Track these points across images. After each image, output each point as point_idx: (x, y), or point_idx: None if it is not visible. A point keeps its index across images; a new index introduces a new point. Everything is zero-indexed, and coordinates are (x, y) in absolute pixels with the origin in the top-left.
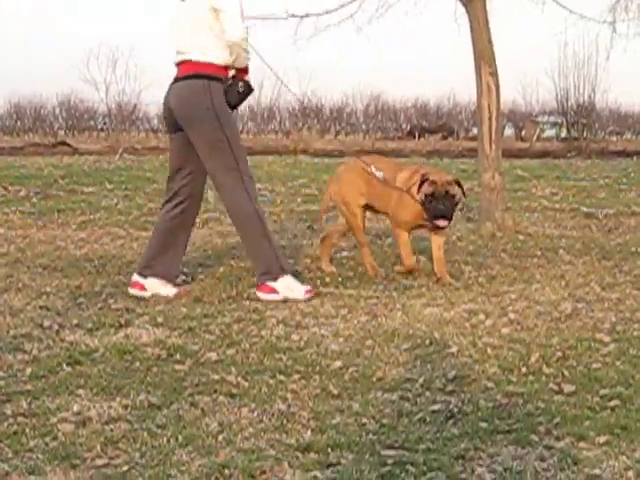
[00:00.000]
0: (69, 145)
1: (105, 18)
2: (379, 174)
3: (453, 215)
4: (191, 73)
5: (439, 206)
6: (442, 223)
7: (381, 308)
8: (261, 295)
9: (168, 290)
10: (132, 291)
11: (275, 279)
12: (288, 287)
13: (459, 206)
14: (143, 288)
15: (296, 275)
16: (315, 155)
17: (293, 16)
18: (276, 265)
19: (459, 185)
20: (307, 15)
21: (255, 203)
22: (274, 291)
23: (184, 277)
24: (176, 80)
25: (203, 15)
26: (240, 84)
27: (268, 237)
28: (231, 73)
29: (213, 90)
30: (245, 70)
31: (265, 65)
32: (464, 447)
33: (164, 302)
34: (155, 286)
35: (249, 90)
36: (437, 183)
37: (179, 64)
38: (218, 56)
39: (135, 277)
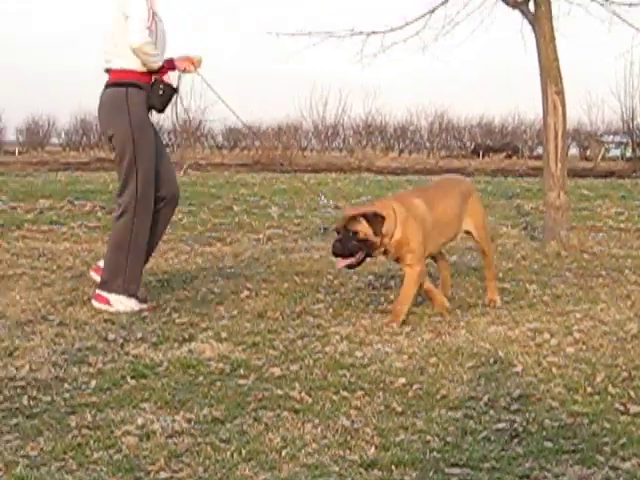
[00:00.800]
0: None
1: (170, 34)
2: (324, 201)
3: (355, 253)
4: (112, 82)
5: (335, 243)
6: (338, 264)
7: (445, 326)
8: (95, 303)
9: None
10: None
11: (110, 292)
12: (122, 302)
13: (370, 244)
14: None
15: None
16: (379, 173)
17: (359, 33)
18: (119, 282)
19: (369, 221)
20: (373, 32)
21: (138, 222)
22: (108, 302)
23: (247, 292)
24: (105, 88)
25: (118, 22)
26: (160, 86)
27: (126, 256)
28: (154, 77)
29: (131, 97)
30: (165, 70)
31: (206, 84)
32: (529, 466)
33: (228, 317)
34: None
35: (171, 91)
36: (342, 218)
37: (106, 71)
38: (137, 63)
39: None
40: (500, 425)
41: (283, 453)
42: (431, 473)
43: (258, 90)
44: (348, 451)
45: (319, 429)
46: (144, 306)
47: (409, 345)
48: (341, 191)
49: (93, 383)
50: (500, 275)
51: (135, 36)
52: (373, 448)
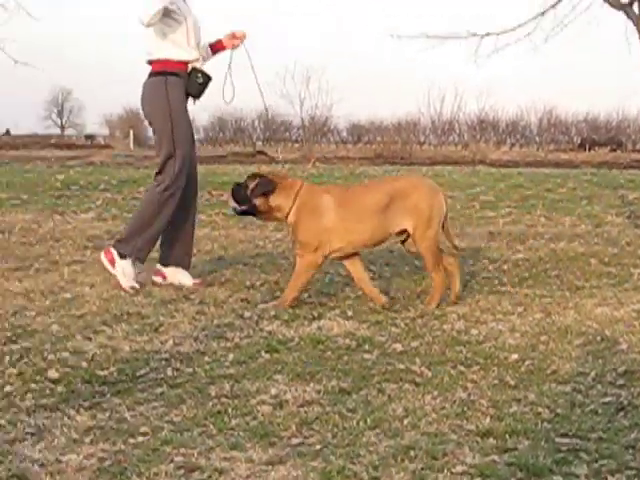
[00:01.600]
0: (266, 154)
1: (298, 38)
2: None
3: (242, 204)
4: (153, 71)
5: (234, 186)
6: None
7: (555, 306)
8: (102, 256)
9: (186, 278)
10: (155, 279)
11: (122, 256)
12: (123, 270)
13: (252, 204)
14: (164, 277)
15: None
16: (492, 165)
17: (474, 35)
18: (132, 248)
19: (259, 180)
20: (487, 34)
21: (167, 198)
22: (112, 262)
23: (371, 274)
24: (147, 78)
25: None
26: (198, 75)
27: (148, 224)
28: (190, 66)
29: (169, 85)
30: (215, 51)
31: (248, 59)
32: (634, 437)
33: (353, 297)
34: (174, 274)
35: (207, 79)
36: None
37: (148, 64)
38: (172, 53)
39: (157, 266)
40: (607, 399)
41: (405, 422)
42: (542, 442)
43: (381, 88)
44: (465, 421)
45: (438, 400)
46: (134, 284)
47: (521, 324)
48: (457, 182)
49: (231, 356)
50: (606, 260)
51: (142, 19)
52: (488, 418)
